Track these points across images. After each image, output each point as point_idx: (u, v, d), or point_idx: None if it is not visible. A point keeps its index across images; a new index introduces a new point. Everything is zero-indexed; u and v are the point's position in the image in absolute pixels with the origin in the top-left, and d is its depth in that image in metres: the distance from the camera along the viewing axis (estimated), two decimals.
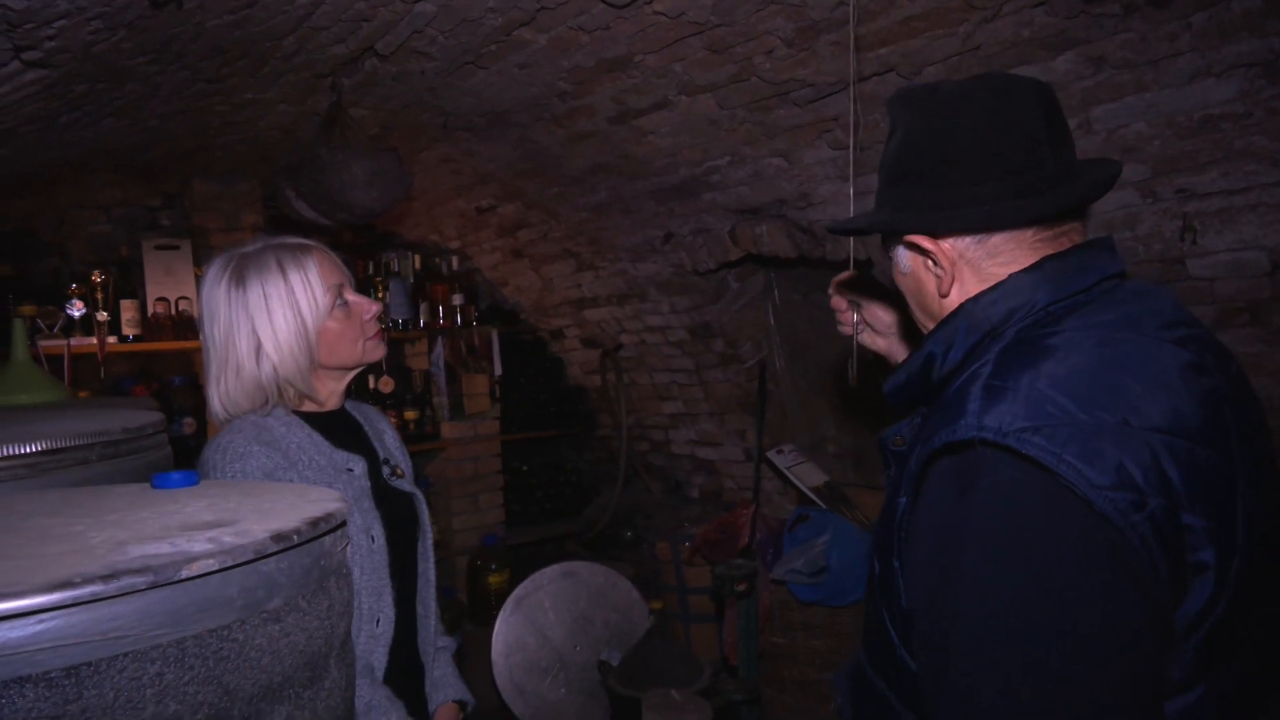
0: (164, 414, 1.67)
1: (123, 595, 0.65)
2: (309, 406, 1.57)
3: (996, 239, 0.98)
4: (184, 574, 0.68)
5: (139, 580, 0.66)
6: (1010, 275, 0.97)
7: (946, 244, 1.00)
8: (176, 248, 3.83)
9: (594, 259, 3.94)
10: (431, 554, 1.68)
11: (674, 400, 4.30)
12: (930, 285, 1.04)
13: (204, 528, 0.82)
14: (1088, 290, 0.95)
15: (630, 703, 2.95)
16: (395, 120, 3.11)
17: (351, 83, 2.72)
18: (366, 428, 1.70)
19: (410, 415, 4.13)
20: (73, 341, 3.51)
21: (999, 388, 0.87)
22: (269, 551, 0.76)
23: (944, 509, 0.87)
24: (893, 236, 1.07)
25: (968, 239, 0.99)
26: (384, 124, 3.13)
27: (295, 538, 0.80)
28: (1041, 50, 1.95)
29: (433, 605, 1.67)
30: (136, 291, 3.75)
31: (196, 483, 1.12)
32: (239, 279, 1.46)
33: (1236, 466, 0.85)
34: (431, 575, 1.68)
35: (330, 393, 1.58)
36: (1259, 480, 0.87)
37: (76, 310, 3.55)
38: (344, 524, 0.93)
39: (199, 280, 1.56)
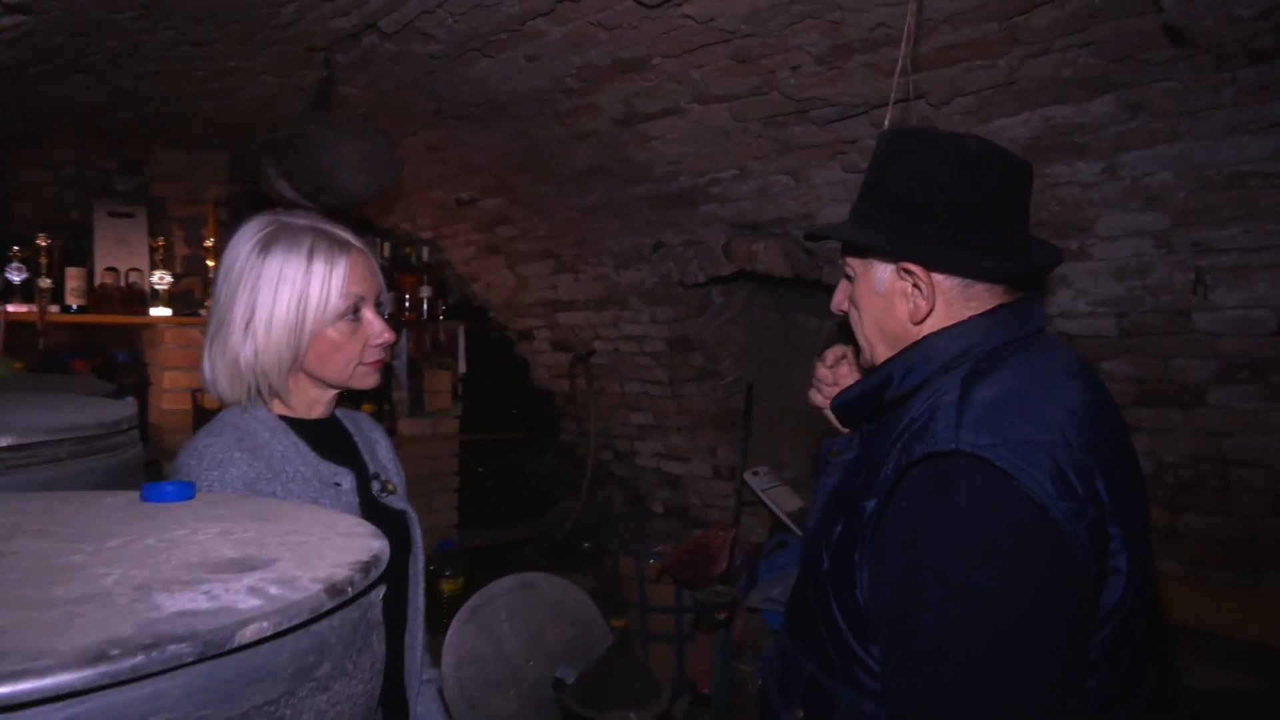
0: (135, 407, 1.51)
1: (167, 671, 0.52)
2: (293, 411, 1.43)
3: (978, 286, 1.11)
4: (237, 641, 0.56)
5: (185, 650, 0.53)
6: (971, 316, 1.11)
7: (939, 278, 1.11)
8: (131, 216, 3.60)
9: (576, 261, 3.82)
10: (422, 578, 1.55)
11: (644, 411, 4.20)
12: (901, 310, 1.14)
13: (235, 569, 0.69)
14: (1027, 337, 1.11)
15: None
16: (384, 101, 2.95)
17: (345, 59, 2.56)
18: (357, 437, 1.56)
19: (367, 409, 3.93)
20: (9, 307, 3.27)
21: (971, 409, 1.00)
22: (325, 609, 0.64)
23: (917, 509, 0.99)
24: (875, 255, 1.15)
25: (957, 280, 1.11)
26: (371, 104, 2.97)
27: (349, 590, 0.67)
28: (1080, 90, 1.91)
29: (420, 635, 1.55)
30: (84, 259, 3.52)
31: (192, 496, 0.99)
32: (266, 245, 1.34)
33: (1137, 489, 1.05)
34: (420, 603, 1.55)
35: (312, 401, 1.44)
36: (1142, 504, 1.07)
37: (16, 275, 3.31)
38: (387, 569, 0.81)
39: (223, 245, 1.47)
